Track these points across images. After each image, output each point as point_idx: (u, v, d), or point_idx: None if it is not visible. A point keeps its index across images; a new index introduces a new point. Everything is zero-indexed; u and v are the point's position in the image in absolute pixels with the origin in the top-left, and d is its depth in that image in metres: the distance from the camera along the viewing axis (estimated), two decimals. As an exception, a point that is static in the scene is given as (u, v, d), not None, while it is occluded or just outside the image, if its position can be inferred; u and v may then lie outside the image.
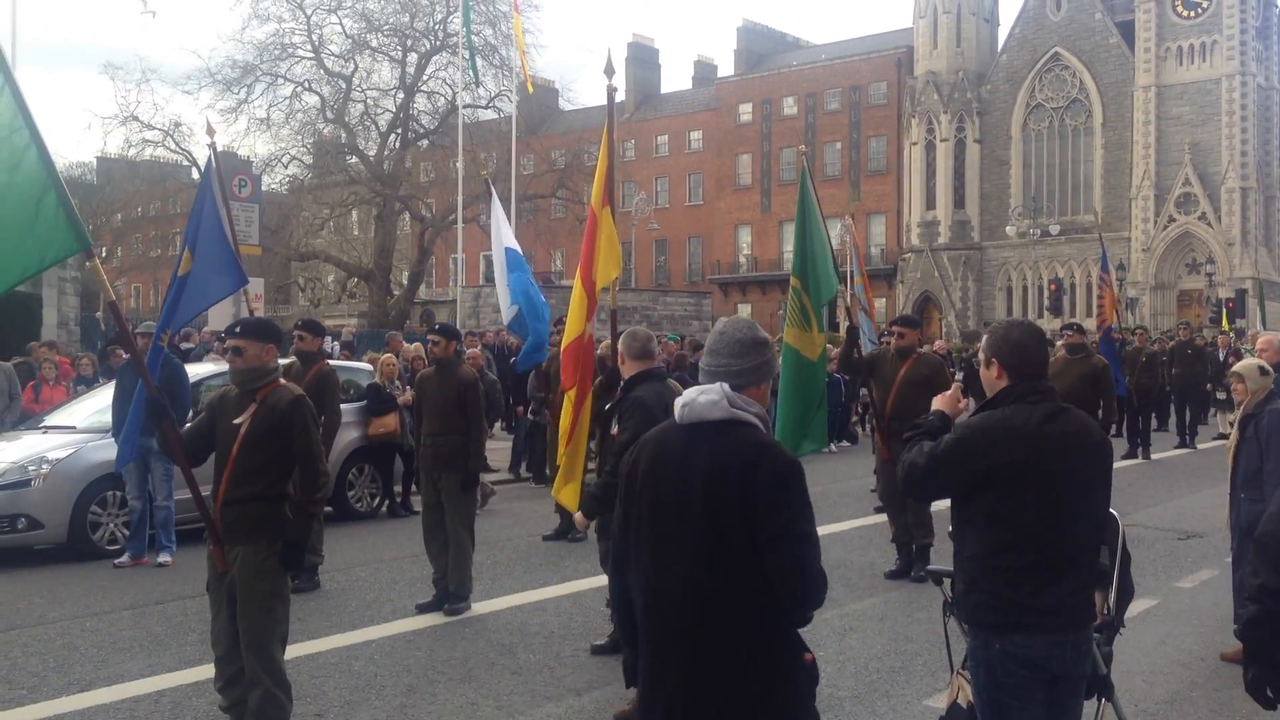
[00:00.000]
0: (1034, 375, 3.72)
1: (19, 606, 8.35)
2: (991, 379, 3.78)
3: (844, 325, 10.33)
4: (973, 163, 60.33)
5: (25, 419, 12.16)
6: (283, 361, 7.08)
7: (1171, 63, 55.69)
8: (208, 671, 6.58)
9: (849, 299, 9.86)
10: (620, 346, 6.14)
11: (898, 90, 62.44)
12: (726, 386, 3.09)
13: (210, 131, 9.11)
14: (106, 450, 9.88)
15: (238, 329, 5.33)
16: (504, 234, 11.51)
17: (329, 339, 19.42)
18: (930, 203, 60.64)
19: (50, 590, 8.93)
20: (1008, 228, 55.02)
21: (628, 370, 5.95)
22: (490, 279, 64.22)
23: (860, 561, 9.63)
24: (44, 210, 5.01)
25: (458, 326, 32.17)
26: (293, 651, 6.97)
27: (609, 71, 7.51)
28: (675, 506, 3.07)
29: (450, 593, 8.01)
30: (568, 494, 7.19)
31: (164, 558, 9.85)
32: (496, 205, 12.17)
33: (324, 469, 5.25)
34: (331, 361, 15.64)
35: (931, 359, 9.75)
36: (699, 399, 3.08)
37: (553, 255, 67.25)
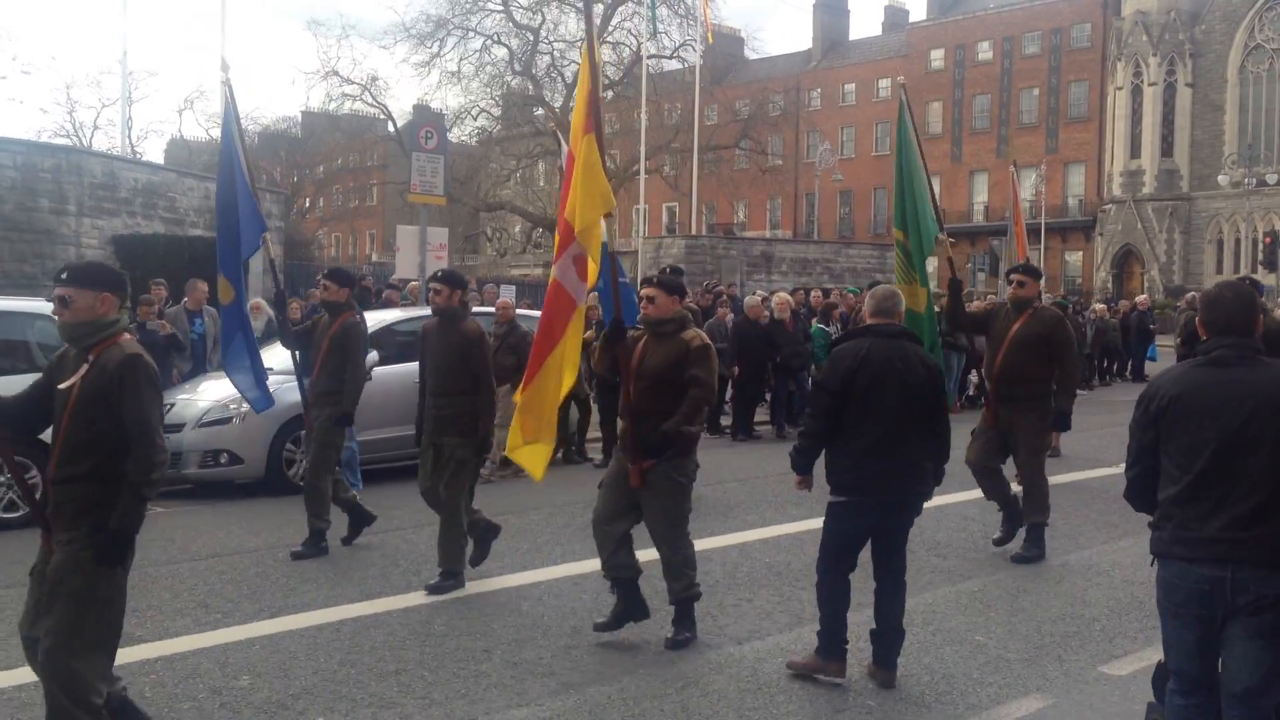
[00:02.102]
0: (1228, 331, 3.96)
1: (219, 536, 8.91)
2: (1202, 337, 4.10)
3: (938, 277, 9.70)
4: (1183, 108, 56.86)
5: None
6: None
7: None
8: (388, 604, 6.91)
9: (949, 247, 8.95)
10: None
11: (1103, 32, 59.25)
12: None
13: (225, 67, 8.57)
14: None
15: (64, 274, 4.43)
16: None
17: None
18: (1135, 151, 57.49)
19: (247, 522, 9.48)
20: (1220, 177, 51.71)
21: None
22: (671, 230, 64.34)
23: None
24: None
25: (637, 277, 32.36)
26: (465, 590, 7.23)
27: None
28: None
29: (439, 569, 7.34)
30: (530, 454, 6.28)
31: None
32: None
33: (161, 444, 4.32)
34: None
35: (1048, 314, 8.48)
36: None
37: (735, 207, 66.99)
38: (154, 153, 52.42)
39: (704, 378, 6.08)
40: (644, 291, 6.22)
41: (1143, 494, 4.11)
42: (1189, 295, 22.70)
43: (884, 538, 5.67)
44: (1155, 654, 5.99)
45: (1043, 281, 9.34)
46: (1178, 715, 3.99)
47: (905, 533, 5.76)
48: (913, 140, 8.69)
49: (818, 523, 9.51)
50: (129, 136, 42.95)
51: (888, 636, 5.58)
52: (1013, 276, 8.53)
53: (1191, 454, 3.86)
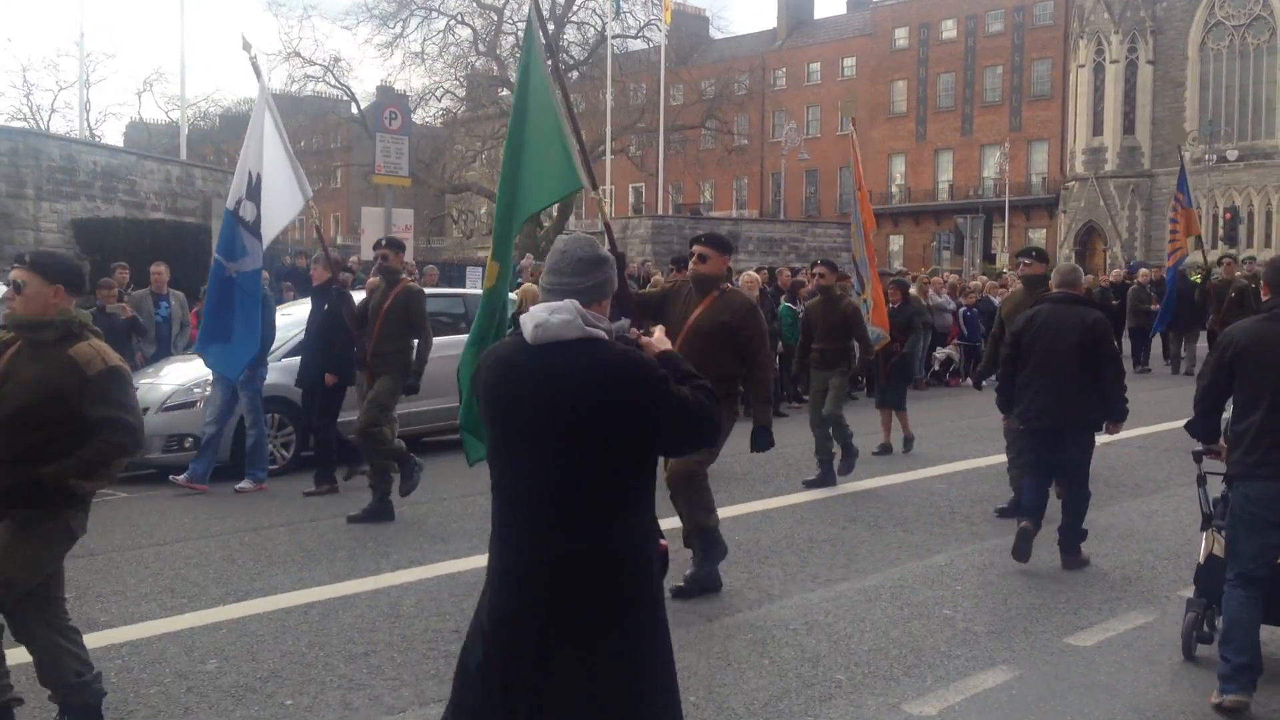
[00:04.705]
0: None
1: (184, 520, 8.84)
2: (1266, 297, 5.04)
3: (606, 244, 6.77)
4: (1145, 85, 57.31)
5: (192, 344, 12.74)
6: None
7: (1369, -27, 51.65)
8: (356, 586, 6.89)
9: (603, 208, 6.70)
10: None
11: (1065, 10, 59.62)
12: (578, 304, 3.04)
13: None
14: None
15: None
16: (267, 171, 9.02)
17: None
18: (1097, 128, 57.95)
19: (212, 506, 9.41)
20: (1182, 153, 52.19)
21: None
22: (638, 210, 64.20)
23: (1007, 497, 9.34)
24: None
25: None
26: (434, 570, 7.21)
27: None
28: (535, 428, 3.00)
29: None
30: None
31: (244, 484, 9.93)
32: (262, 110, 9.37)
33: None
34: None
35: (737, 301, 6.85)
36: (552, 319, 3.00)
37: (701, 187, 66.97)
38: (113, 136, 51.79)
39: (119, 417, 4.27)
40: (12, 275, 4.41)
41: (1205, 427, 5.15)
42: (1143, 271, 23.00)
43: (1057, 459, 7.17)
44: (1120, 625, 6.10)
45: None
46: (1239, 602, 4.94)
47: (1076, 456, 7.19)
48: (541, 71, 6.36)
49: (786, 500, 9.58)
50: (87, 119, 42.43)
51: (1063, 533, 7.29)
52: (695, 248, 6.85)
53: (1260, 394, 4.78)
